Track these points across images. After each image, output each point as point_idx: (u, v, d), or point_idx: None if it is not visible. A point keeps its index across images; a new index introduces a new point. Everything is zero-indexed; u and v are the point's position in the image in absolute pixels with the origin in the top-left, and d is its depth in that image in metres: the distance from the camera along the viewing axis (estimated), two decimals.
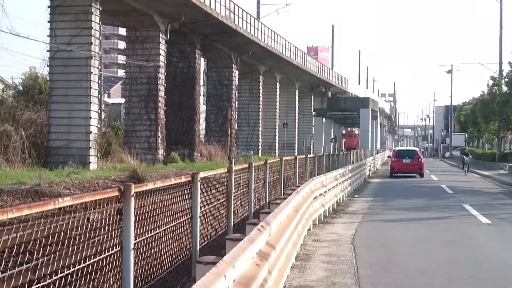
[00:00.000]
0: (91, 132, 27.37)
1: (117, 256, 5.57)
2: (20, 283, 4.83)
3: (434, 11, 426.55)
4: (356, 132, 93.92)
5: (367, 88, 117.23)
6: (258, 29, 45.13)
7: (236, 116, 48.45)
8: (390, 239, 13.95)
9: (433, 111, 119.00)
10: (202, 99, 52.28)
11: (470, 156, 49.39)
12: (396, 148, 53.55)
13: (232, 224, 9.89)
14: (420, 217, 17.96)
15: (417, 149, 47.17)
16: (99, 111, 30.86)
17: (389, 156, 59.92)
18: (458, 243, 13.15)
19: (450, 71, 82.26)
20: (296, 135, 66.28)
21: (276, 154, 55.00)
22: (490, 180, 37.45)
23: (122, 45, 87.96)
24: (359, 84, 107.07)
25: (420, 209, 20.19)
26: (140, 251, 6.26)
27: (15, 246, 4.95)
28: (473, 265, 10.77)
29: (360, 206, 20.78)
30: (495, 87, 54.07)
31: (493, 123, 56.16)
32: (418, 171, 39.40)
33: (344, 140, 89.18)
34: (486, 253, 12.12)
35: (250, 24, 43.14)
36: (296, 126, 66.48)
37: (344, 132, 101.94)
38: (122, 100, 47.09)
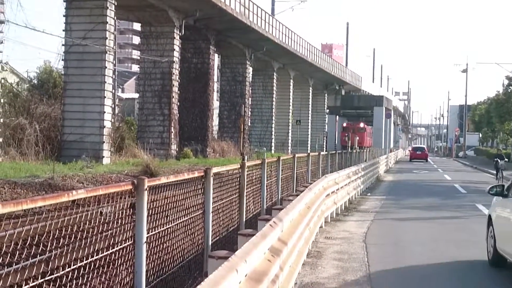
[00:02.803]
0: (104, 127, 27.49)
1: (129, 249, 5.59)
2: (33, 274, 4.85)
3: (449, 10, 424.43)
4: (362, 125, 75.05)
5: (381, 86, 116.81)
6: (272, 26, 45.08)
7: (249, 113, 48.47)
8: (402, 237, 13.91)
9: (447, 110, 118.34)
10: (215, 95, 52.36)
11: (506, 160, 38.36)
12: (412, 146, 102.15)
13: (244, 219, 9.89)
14: (433, 216, 17.88)
15: (424, 146, 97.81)
16: (113, 106, 30.99)
17: (409, 150, 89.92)
18: (471, 242, 13.09)
19: (465, 71, 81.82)
20: (309, 133, 66.19)
21: (289, 151, 54.97)
22: (504, 181, 37.20)
23: (136, 40, 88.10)
24: (373, 82, 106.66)
25: (432, 208, 20.11)
26: (152, 245, 6.28)
27: (29, 238, 4.98)
28: (486, 265, 10.70)
29: (372, 204, 20.73)
30: (510, 87, 53.72)
31: (507, 123, 55.80)
32: (425, 157, 72.36)
33: (346, 135, 61.25)
34: None
35: (265, 20, 43.09)
36: (309, 124, 66.38)
37: (345, 124, 77.68)
38: (136, 95, 47.21)
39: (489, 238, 10.85)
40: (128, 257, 5.62)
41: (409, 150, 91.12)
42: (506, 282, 9.41)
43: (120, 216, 5.69)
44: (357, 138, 55.94)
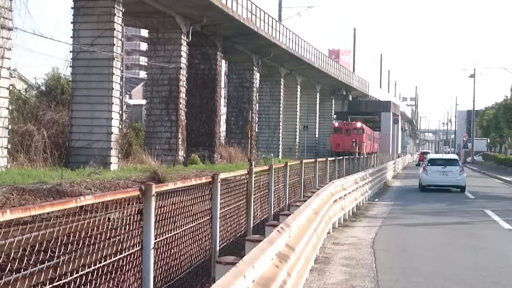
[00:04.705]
0: (112, 133, 27.53)
1: (137, 255, 5.60)
2: (41, 280, 4.86)
3: (457, 15, 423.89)
4: (359, 125, 59.97)
5: (388, 91, 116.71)
6: (279, 32, 45.14)
7: (257, 119, 48.49)
8: (410, 243, 13.87)
9: (455, 116, 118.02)
10: (223, 101, 52.40)
11: None
12: (421, 151, 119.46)
13: (251, 225, 9.88)
14: (441, 221, 17.81)
15: (429, 151, 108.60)
16: (120, 112, 31.04)
17: (418, 155, 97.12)
18: (479, 248, 13.04)
19: (473, 76, 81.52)
20: (317, 138, 66.15)
21: (296, 156, 54.96)
22: None
23: (144, 46, 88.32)
24: (380, 87, 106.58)
25: (441, 213, 20.04)
26: (160, 251, 6.28)
27: (37, 244, 4.99)
28: (495, 270, 10.67)
29: (380, 210, 20.68)
30: None
31: None
32: None
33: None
34: (507, 259, 12.01)
35: (272, 26, 43.16)
36: (317, 129, 66.37)
37: (337, 124, 63.00)
38: (144, 101, 47.29)
39: (419, 180, 31.45)
40: (135, 263, 5.63)
41: (418, 155, 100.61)
42: (421, 192, 29.31)
43: (127, 222, 5.70)
44: (357, 141, 50.51)
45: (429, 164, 30.22)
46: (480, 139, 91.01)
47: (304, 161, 16.79)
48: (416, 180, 40.76)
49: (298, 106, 60.22)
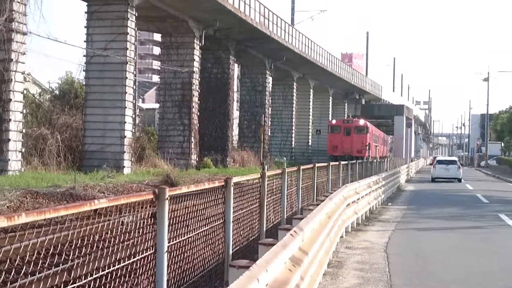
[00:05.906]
0: (125, 137, 27.63)
1: (150, 258, 5.61)
2: (55, 283, 4.89)
3: (470, 18, 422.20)
4: (362, 122, 48.03)
5: (401, 95, 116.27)
6: (292, 36, 45.15)
7: (269, 122, 48.45)
8: (423, 247, 13.79)
9: (469, 120, 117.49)
10: (235, 105, 52.47)
11: None
12: (434, 155, 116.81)
13: (264, 229, 9.88)
14: (455, 226, 17.72)
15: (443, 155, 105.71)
16: (133, 116, 31.16)
17: (431, 164, 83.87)
18: (493, 253, 12.95)
19: (486, 79, 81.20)
20: None
21: (311, 159, 54.91)
22: None
23: (157, 50, 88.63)
24: (393, 91, 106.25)
25: (454, 218, 19.93)
26: (173, 255, 6.30)
27: (51, 247, 5.02)
28: (509, 275, 10.61)
29: (393, 214, 20.59)
30: None
31: None
32: None
33: (332, 138, 46.19)
34: None
35: (285, 30, 43.18)
36: None
37: (334, 122, 50.39)
38: (157, 105, 47.44)
39: (431, 173, 44.95)
40: (149, 266, 5.65)
41: (431, 159, 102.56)
42: (432, 183, 41.72)
43: (141, 226, 5.72)
44: (370, 145, 44.67)
45: (437, 163, 45.17)
46: (494, 143, 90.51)
47: (317, 165, 16.75)
48: (430, 184, 40.82)
49: (311, 110, 60.18)
